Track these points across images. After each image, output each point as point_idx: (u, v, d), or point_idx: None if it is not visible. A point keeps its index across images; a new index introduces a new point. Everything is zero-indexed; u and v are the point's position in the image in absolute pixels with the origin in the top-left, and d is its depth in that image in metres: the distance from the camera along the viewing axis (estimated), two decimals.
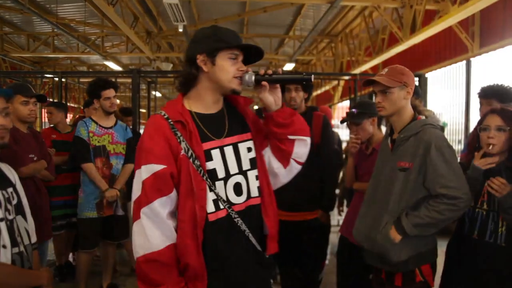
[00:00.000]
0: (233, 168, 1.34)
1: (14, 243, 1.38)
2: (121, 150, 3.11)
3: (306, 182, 2.65)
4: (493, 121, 1.79)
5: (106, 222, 3.05)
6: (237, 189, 1.34)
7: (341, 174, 3.36)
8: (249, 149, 1.40)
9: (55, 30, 8.68)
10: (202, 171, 1.27)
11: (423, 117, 1.80)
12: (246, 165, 1.38)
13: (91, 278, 3.46)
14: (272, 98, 1.38)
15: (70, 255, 3.93)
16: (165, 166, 1.25)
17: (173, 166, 1.26)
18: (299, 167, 1.50)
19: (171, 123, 1.29)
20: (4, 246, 1.33)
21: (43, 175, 2.75)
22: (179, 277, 1.27)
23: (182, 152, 1.27)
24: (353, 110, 2.48)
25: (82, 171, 3.00)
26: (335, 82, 10.52)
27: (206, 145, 1.32)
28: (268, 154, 1.46)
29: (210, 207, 1.28)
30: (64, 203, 3.41)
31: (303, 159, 1.48)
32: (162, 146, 1.26)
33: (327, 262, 4.03)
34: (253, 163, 1.40)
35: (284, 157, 1.44)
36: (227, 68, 1.33)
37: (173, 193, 1.27)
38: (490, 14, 5.68)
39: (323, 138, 2.69)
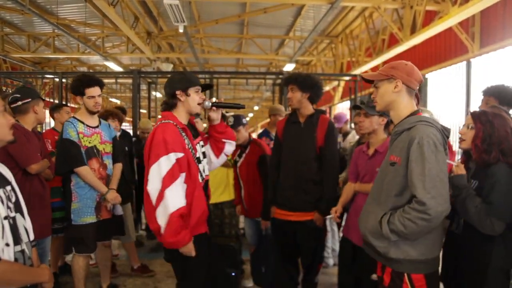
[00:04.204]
0: (201, 156, 2.21)
1: (16, 241, 1.40)
2: (110, 150, 2.99)
3: (308, 184, 2.72)
4: (467, 120, 1.99)
5: (101, 224, 2.90)
6: (203, 169, 2.18)
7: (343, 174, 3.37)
8: (202, 146, 2.26)
9: (56, 30, 8.70)
10: (195, 158, 2.11)
11: (426, 114, 1.73)
12: (201, 155, 2.21)
13: (90, 278, 3.46)
14: (216, 116, 2.25)
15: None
16: (184, 154, 1.99)
17: (185, 154, 2.00)
18: (226, 158, 2.41)
19: (179, 128, 2.05)
20: (7, 244, 1.34)
21: (46, 173, 2.84)
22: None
23: (187, 146, 2.04)
24: (370, 101, 2.45)
25: (74, 175, 2.80)
26: (336, 83, 10.54)
27: (196, 141, 2.18)
28: (208, 149, 2.32)
29: (199, 179, 2.10)
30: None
31: (229, 153, 2.42)
32: (180, 142, 2.00)
33: (331, 264, 4.05)
34: (204, 154, 2.25)
35: (219, 152, 2.35)
36: (195, 98, 2.12)
37: (185, 173, 2.01)
38: (490, 14, 5.69)
39: (326, 142, 2.70)
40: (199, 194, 2.07)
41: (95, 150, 2.86)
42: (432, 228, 1.59)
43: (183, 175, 1.98)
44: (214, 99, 2.25)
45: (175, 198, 1.92)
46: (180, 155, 1.96)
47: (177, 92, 2.09)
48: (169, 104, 2.13)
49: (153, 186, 1.92)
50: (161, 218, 1.91)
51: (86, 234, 2.82)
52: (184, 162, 1.98)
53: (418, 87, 1.75)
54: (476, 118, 1.92)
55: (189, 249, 1.99)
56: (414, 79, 1.72)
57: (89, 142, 2.84)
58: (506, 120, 1.90)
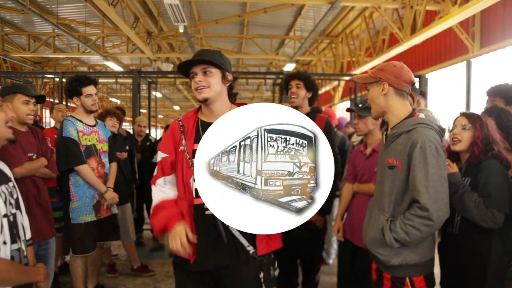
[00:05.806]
0: None
1: (13, 240, 1.39)
2: (106, 149, 3.03)
3: None
4: (459, 121, 2.00)
5: (100, 223, 2.90)
6: None
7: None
8: None
9: (56, 30, 8.71)
10: (191, 163, 1.63)
11: (422, 115, 1.69)
12: None
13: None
14: None
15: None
16: (167, 155, 1.71)
17: (173, 156, 1.71)
18: None
19: (181, 125, 1.73)
20: (4, 243, 1.34)
21: (43, 172, 2.58)
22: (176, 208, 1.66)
23: (181, 147, 1.68)
24: (363, 102, 2.46)
25: (73, 174, 2.79)
26: (336, 83, 10.52)
27: (196, 146, 1.62)
28: None
29: (194, 193, 1.63)
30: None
31: None
32: (169, 141, 1.73)
33: (331, 262, 4.05)
34: None
35: None
36: (193, 86, 1.68)
37: (172, 176, 1.72)
38: (491, 14, 5.69)
39: None
40: (178, 209, 1.66)
41: (93, 149, 2.88)
42: (433, 233, 1.60)
43: (165, 178, 1.72)
44: None
45: (156, 195, 1.71)
46: (164, 155, 1.71)
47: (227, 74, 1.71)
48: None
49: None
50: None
51: (85, 233, 2.81)
52: (167, 164, 1.70)
53: (409, 88, 1.69)
54: (476, 119, 1.96)
55: (176, 233, 1.55)
56: (403, 80, 1.66)
57: (89, 141, 2.87)
58: (491, 125, 1.98)
